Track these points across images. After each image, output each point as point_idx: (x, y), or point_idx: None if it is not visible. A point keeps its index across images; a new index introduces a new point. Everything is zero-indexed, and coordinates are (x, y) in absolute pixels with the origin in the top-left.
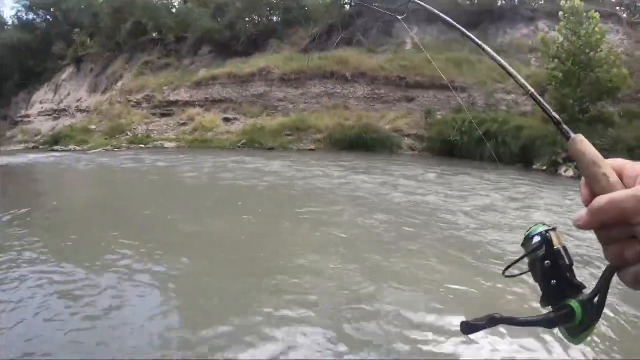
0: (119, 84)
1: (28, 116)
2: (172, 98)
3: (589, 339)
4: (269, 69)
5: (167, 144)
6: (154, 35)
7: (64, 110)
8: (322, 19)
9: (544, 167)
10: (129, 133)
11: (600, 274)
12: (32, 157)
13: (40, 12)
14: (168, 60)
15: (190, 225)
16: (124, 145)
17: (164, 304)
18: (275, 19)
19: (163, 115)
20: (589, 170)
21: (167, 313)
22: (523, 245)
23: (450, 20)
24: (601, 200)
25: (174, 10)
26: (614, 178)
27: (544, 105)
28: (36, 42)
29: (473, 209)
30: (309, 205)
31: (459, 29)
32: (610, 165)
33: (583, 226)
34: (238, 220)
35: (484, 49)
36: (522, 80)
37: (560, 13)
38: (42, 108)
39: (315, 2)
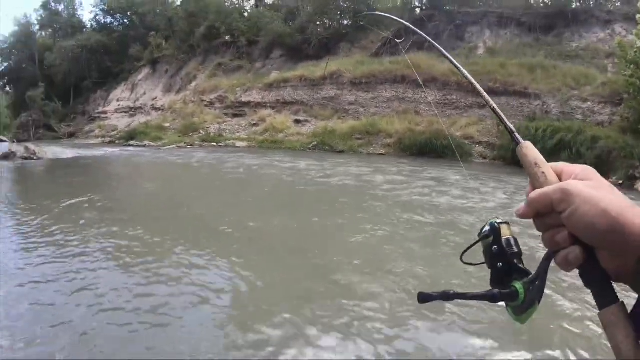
0: (193, 84)
1: (105, 112)
2: (244, 99)
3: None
4: (340, 73)
5: (239, 143)
6: (227, 38)
7: (140, 108)
8: (393, 22)
9: (620, 181)
10: (201, 131)
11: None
12: (108, 150)
13: (117, 16)
14: (240, 63)
15: (255, 222)
16: (196, 142)
17: (222, 301)
18: (345, 22)
19: (235, 115)
20: (531, 169)
21: (227, 312)
22: (478, 235)
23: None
24: (535, 192)
25: (246, 15)
26: (551, 176)
27: (499, 113)
28: (113, 44)
29: None
30: (382, 209)
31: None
32: (551, 167)
33: (521, 215)
34: (304, 220)
35: (450, 61)
36: (484, 93)
37: (638, 16)
38: (119, 105)
39: (385, 5)
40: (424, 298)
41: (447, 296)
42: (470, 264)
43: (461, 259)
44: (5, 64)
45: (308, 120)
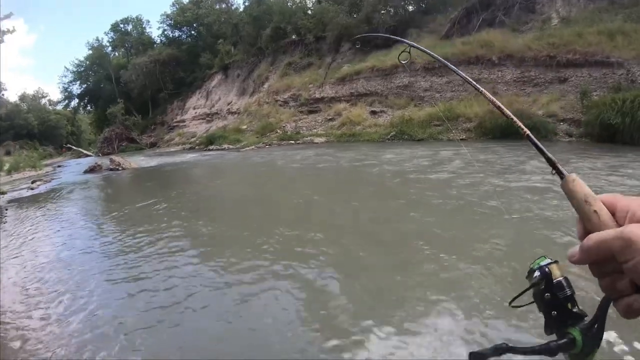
0: (265, 85)
1: (183, 121)
2: (317, 95)
3: None
4: (411, 59)
5: (317, 139)
6: (293, 37)
7: (216, 113)
8: (460, 2)
9: None
10: (278, 130)
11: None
12: (190, 156)
13: (185, 29)
14: (310, 60)
15: (342, 216)
16: (274, 142)
17: (307, 295)
18: (410, 8)
19: (310, 112)
20: (581, 208)
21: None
22: (527, 277)
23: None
24: (590, 240)
25: (309, 12)
26: (604, 215)
27: (539, 145)
28: (184, 55)
29: None
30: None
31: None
32: (602, 201)
33: (575, 262)
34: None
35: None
36: (515, 119)
37: None
38: (195, 113)
39: None
40: (475, 357)
41: (500, 350)
42: (520, 307)
43: (510, 304)
44: (84, 85)
45: (384, 111)
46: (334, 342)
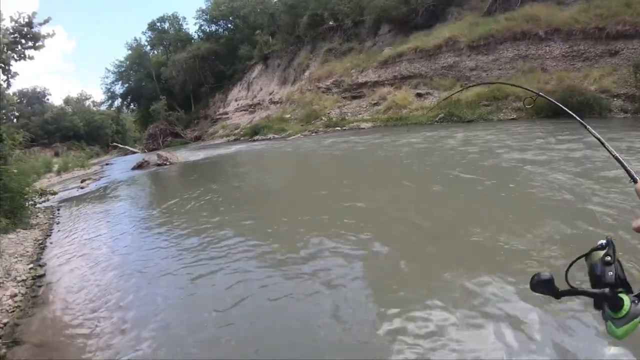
0: (306, 73)
1: (226, 113)
2: (360, 80)
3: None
4: (455, 38)
5: (363, 125)
6: (331, 23)
7: (258, 104)
8: None
9: None
10: (323, 117)
11: None
12: (235, 147)
13: (221, 22)
14: (350, 45)
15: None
16: (320, 129)
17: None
18: None
19: (354, 97)
20: None
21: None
22: (587, 254)
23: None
24: None
25: None
26: None
27: (612, 152)
28: (222, 48)
29: None
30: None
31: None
32: None
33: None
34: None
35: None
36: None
37: None
38: (237, 105)
39: None
40: (535, 285)
41: (554, 291)
42: (571, 265)
43: (566, 274)
44: (126, 85)
45: (430, 93)
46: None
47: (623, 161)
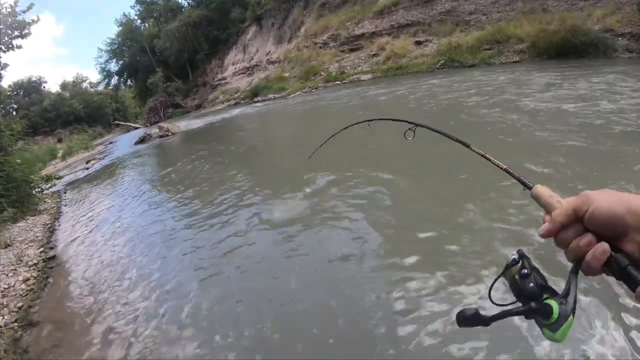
0: (302, 30)
1: (224, 78)
2: (357, 32)
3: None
4: None
5: (363, 77)
6: None
7: (256, 65)
8: None
9: None
10: (322, 73)
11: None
12: (236, 110)
13: None
14: None
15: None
16: (320, 85)
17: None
18: None
19: (352, 50)
20: (547, 202)
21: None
22: (504, 270)
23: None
24: (556, 210)
25: None
26: (565, 201)
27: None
28: (214, 14)
29: None
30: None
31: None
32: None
33: (546, 232)
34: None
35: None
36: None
37: None
38: (235, 69)
39: None
40: (461, 321)
41: (483, 321)
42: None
43: (490, 295)
44: (121, 62)
45: (429, 40)
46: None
47: (513, 172)
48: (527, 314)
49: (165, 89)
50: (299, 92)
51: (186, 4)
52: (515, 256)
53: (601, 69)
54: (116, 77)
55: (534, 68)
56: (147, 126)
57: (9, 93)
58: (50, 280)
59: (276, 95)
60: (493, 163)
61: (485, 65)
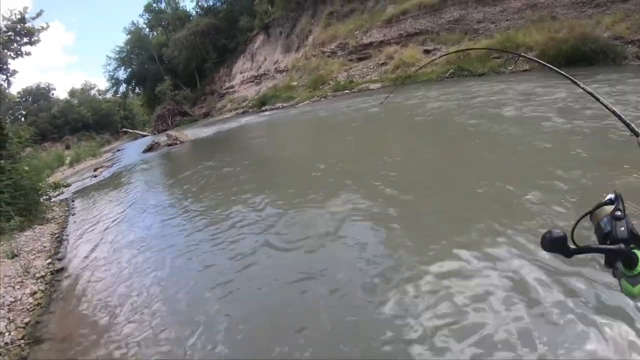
0: (310, 38)
1: (232, 87)
2: (365, 41)
3: None
4: None
5: (372, 86)
6: None
7: (264, 74)
8: None
9: None
10: (330, 82)
11: None
12: (244, 119)
13: None
14: (351, 6)
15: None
16: (329, 94)
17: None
18: None
19: (360, 59)
20: None
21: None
22: (593, 210)
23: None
24: None
25: None
26: None
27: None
28: (222, 22)
29: None
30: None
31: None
32: None
33: None
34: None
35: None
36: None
37: None
38: (243, 77)
39: None
40: (546, 243)
41: (567, 250)
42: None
43: (572, 233)
44: (129, 70)
45: (437, 48)
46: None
47: (621, 115)
48: (613, 255)
49: (173, 97)
50: (307, 101)
51: (194, 13)
52: (612, 196)
53: (609, 76)
54: (124, 85)
55: (543, 76)
56: (155, 134)
57: (17, 99)
58: (59, 294)
59: (284, 104)
60: (602, 103)
61: (495, 74)
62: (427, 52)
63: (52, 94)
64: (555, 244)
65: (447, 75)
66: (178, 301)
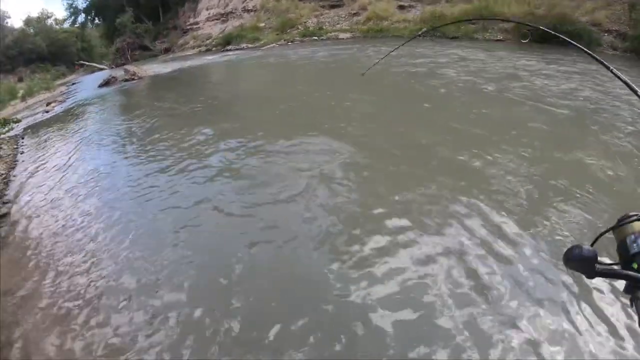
0: None
1: (197, 23)
2: None
3: None
4: None
5: (342, 35)
6: None
7: (231, 12)
8: None
9: None
10: (299, 27)
11: None
12: (207, 58)
13: None
14: None
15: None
16: (296, 39)
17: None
18: None
19: (332, 6)
20: None
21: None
22: (618, 225)
23: None
24: None
25: None
26: None
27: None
28: None
29: None
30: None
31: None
32: None
33: None
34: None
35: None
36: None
37: None
38: (209, 14)
39: None
40: (569, 259)
41: (591, 270)
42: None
43: (592, 244)
44: None
45: (413, 5)
46: None
47: (633, 85)
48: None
49: (134, 29)
50: (274, 44)
51: None
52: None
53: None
54: (83, 15)
55: (516, 49)
56: (113, 68)
57: None
58: (2, 241)
59: (250, 45)
60: (615, 75)
61: (469, 40)
62: (401, 7)
63: (7, 22)
64: (584, 263)
65: (419, 33)
66: (126, 249)
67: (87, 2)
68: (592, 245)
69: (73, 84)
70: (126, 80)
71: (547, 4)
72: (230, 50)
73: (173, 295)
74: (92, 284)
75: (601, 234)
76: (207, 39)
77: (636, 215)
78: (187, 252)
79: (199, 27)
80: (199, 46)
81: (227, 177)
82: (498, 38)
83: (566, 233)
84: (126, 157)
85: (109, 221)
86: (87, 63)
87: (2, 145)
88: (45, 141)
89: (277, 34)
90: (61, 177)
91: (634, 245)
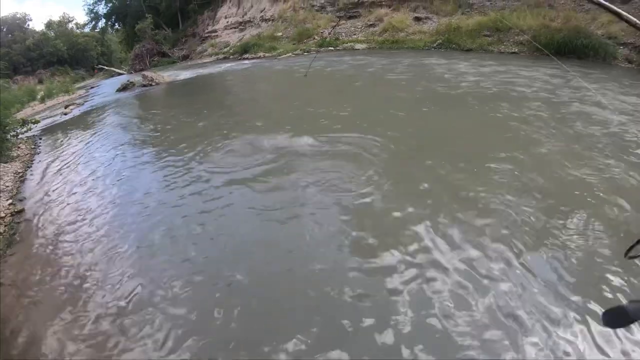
0: None
1: (215, 31)
2: None
3: None
4: None
5: (358, 45)
6: None
7: (249, 21)
8: None
9: None
10: (316, 37)
11: None
12: (224, 66)
13: None
14: None
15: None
16: (312, 48)
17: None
18: None
19: (349, 17)
20: None
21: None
22: None
23: None
24: None
25: None
26: None
27: None
28: None
29: None
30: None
31: None
32: None
33: None
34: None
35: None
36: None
37: None
38: (227, 22)
39: None
40: (615, 318)
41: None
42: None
43: (626, 254)
44: (110, 4)
45: (429, 17)
46: None
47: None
48: None
49: (153, 36)
50: (290, 54)
51: None
52: None
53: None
54: (104, 20)
55: (531, 62)
56: (131, 73)
57: None
58: (17, 237)
59: (266, 54)
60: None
61: (483, 52)
62: (417, 19)
63: (28, 25)
64: (618, 322)
65: (434, 45)
66: (138, 246)
67: (108, 8)
68: (628, 250)
69: (92, 87)
70: (144, 85)
71: (562, 17)
72: (247, 58)
73: (185, 293)
74: (103, 280)
75: (635, 244)
76: (225, 47)
77: None
78: (209, 253)
79: (217, 35)
80: (217, 54)
81: (239, 184)
82: (513, 51)
83: None
84: (141, 162)
85: (120, 221)
86: (106, 67)
87: (21, 145)
88: (62, 142)
89: (294, 44)
90: (74, 178)
91: None
